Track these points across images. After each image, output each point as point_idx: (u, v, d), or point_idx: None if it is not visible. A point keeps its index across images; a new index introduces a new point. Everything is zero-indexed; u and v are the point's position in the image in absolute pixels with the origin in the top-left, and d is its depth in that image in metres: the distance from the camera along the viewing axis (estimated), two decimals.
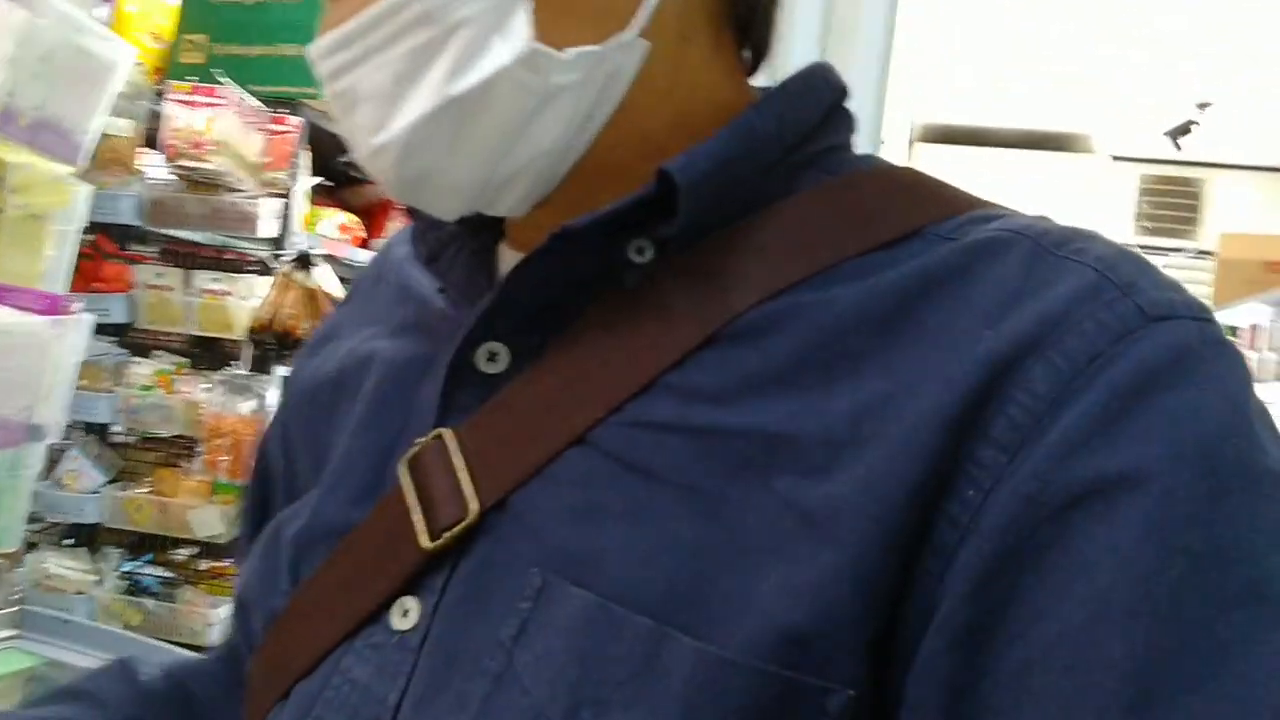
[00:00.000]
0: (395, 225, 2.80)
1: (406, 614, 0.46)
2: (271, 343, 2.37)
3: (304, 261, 2.40)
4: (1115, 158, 6.09)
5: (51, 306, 1.12)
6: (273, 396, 2.40)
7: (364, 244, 2.72)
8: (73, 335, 1.19)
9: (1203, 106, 4.92)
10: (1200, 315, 0.40)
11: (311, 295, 2.46)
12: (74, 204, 1.16)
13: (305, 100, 2.41)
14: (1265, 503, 0.36)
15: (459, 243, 0.55)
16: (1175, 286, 0.41)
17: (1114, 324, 0.39)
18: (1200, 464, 0.36)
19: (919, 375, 0.40)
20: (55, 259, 1.13)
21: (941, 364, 0.40)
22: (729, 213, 0.48)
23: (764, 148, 0.48)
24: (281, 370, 2.43)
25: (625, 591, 0.41)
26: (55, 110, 1.05)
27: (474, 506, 0.45)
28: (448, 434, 0.48)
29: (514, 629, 0.42)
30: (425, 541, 0.46)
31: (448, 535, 0.45)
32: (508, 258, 0.53)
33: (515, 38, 0.43)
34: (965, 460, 0.38)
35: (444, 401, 0.50)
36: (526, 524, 0.44)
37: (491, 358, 0.49)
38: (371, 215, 2.83)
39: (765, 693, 0.38)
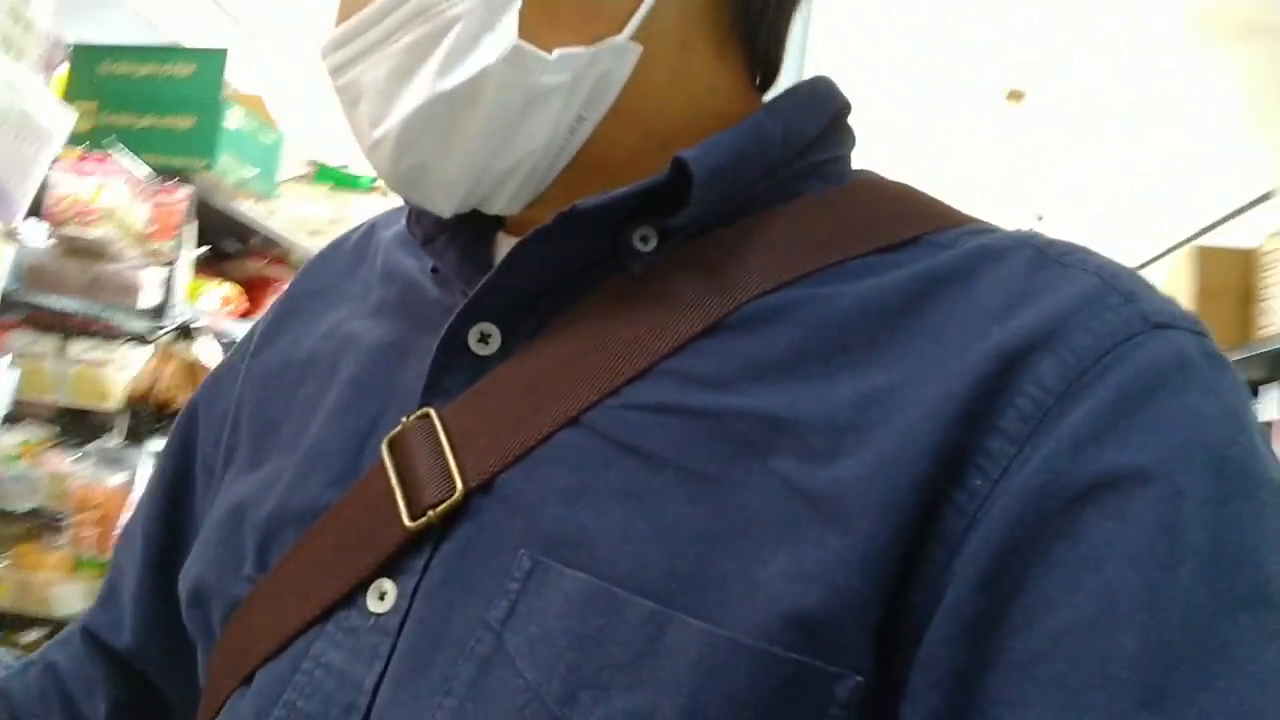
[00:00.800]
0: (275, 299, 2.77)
1: (384, 596, 0.45)
2: (149, 413, 2.32)
3: (185, 333, 2.37)
4: None
5: None
6: (145, 470, 2.34)
7: (245, 315, 2.69)
8: None
9: (1039, 219, 5.30)
10: (1197, 328, 0.41)
11: (190, 368, 2.42)
12: (2, 262, 1.15)
13: (194, 171, 2.40)
14: (1267, 509, 0.37)
15: (455, 228, 0.54)
16: (1171, 300, 0.42)
17: (1120, 326, 0.40)
18: (1208, 467, 0.37)
19: (925, 367, 0.41)
20: None
21: (947, 357, 0.41)
22: (735, 209, 0.48)
23: (771, 150, 0.49)
24: (155, 444, 2.36)
25: (625, 573, 0.40)
26: None
27: (459, 485, 0.44)
28: (433, 413, 0.47)
29: (503, 611, 0.41)
30: (407, 521, 0.44)
31: (431, 514, 0.44)
32: (504, 245, 0.53)
33: (503, 37, 0.44)
34: (973, 451, 0.39)
35: (430, 382, 0.49)
36: (514, 505, 0.43)
37: (483, 339, 0.48)
38: (253, 288, 2.81)
39: (774, 676, 0.37)
